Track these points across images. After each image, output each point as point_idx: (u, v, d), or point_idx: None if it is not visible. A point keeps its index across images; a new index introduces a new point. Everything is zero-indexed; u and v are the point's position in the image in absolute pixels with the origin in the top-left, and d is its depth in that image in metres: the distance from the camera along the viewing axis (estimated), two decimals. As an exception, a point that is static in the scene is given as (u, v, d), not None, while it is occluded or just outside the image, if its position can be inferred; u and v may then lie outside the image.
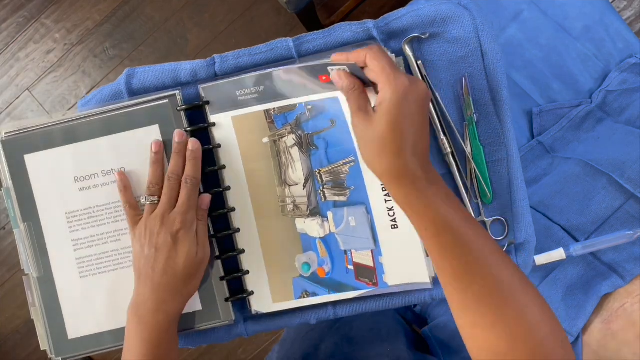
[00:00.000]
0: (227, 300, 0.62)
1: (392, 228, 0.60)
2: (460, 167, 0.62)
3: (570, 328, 0.69)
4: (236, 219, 0.62)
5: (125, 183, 0.60)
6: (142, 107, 0.61)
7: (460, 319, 0.48)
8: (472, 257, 0.47)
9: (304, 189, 0.61)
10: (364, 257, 0.61)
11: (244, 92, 0.60)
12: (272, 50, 0.62)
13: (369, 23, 0.61)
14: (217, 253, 0.62)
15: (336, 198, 0.61)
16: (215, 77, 0.63)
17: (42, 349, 0.63)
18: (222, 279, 0.62)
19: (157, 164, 0.60)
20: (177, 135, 0.59)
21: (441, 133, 0.62)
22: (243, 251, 0.62)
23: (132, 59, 1.54)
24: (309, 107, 0.60)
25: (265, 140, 0.61)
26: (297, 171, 0.61)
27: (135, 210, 0.60)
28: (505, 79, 0.61)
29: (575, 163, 0.78)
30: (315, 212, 0.61)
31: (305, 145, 0.60)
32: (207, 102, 0.61)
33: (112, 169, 0.61)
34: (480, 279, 0.46)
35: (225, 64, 0.62)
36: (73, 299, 0.63)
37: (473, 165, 0.61)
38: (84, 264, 0.62)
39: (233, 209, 0.62)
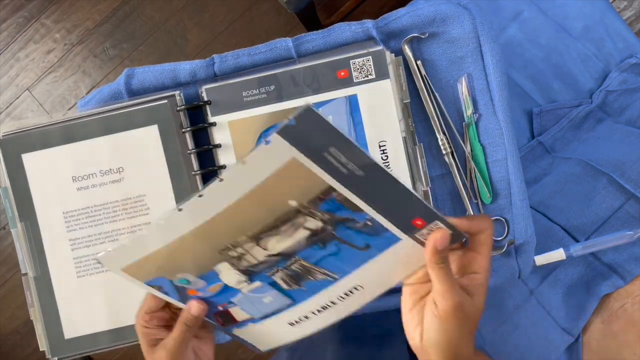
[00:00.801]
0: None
1: None
2: (460, 167, 0.62)
3: (570, 328, 0.69)
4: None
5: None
6: (141, 107, 0.61)
7: None
8: None
9: (264, 257, 0.50)
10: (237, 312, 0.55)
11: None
12: (271, 50, 0.62)
13: (368, 23, 0.61)
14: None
15: (280, 282, 0.52)
16: (215, 77, 0.63)
17: (41, 350, 0.63)
18: (221, 279, 0.62)
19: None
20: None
21: (441, 133, 0.61)
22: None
23: (132, 59, 1.54)
24: (369, 222, 0.47)
25: (294, 203, 0.46)
26: (280, 244, 0.49)
27: None
28: (505, 78, 0.60)
29: (576, 163, 0.77)
30: (249, 272, 0.50)
31: (320, 240, 0.49)
32: (209, 102, 0.61)
33: (110, 169, 0.61)
34: None
35: (225, 64, 0.62)
36: (70, 298, 0.62)
37: (473, 165, 0.61)
38: (81, 264, 0.62)
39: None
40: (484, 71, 0.61)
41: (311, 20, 1.28)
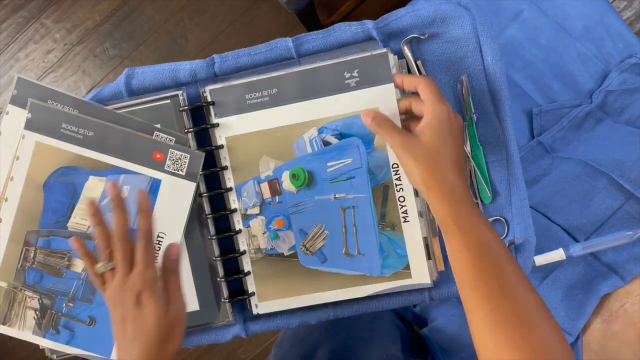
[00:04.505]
0: (225, 301, 0.62)
1: None
2: (460, 167, 0.62)
3: (570, 328, 0.69)
4: (238, 220, 0.62)
5: (85, 250, 0.55)
6: (144, 106, 0.61)
7: (483, 338, 0.48)
8: (506, 280, 0.48)
9: None
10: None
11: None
12: (271, 50, 0.62)
13: (369, 23, 0.61)
14: (218, 254, 0.62)
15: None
16: (215, 77, 0.63)
17: (41, 348, 0.64)
18: (220, 280, 0.62)
19: (100, 225, 0.54)
20: (110, 190, 0.54)
21: (441, 133, 0.61)
22: (244, 252, 0.62)
23: (132, 59, 1.54)
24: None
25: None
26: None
27: (100, 278, 0.55)
28: (505, 79, 0.60)
29: (575, 163, 0.77)
30: None
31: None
32: (212, 103, 0.61)
33: None
34: (512, 301, 0.47)
35: (225, 64, 0.62)
36: None
37: (473, 165, 0.61)
38: None
39: (235, 210, 0.62)
40: (484, 71, 0.61)
41: (311, 20, 1.28)
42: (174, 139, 0.60)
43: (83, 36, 1.55)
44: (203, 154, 0.60)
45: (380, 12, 0.62)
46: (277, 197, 0.61)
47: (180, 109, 0.61)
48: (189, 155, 0.60)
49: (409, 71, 0.61)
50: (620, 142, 0.78)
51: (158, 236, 0.61)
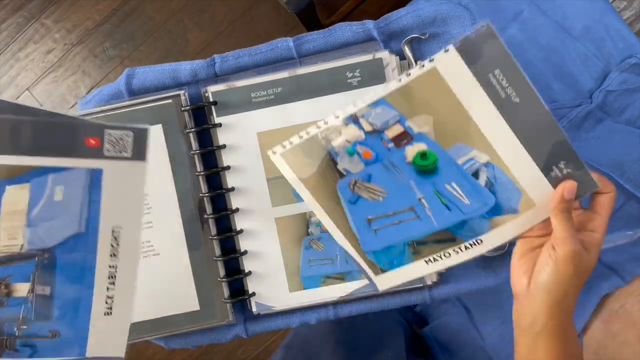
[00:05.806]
0: (225, 301, 0.62)
1: None
2: (460, 167, 0.62)
3: (570, 328, 0.69)
4: (239, 220, 0.62)
5: None
6: (145, 106, 0.61)
7: None
8: None
9: None
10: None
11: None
12: (272, 50, 0.62)
13: (369, 23, 0.61)
14: (218, 254, 0.62)
15: None
16: (216, 77, 0.63)
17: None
18: (220, 280, 0.62)
19: None
20: None
21: (441, 133, 0.61)
22: (245, 252, 0.62)
23: (132, 59, 1.54)
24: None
25: None
26: None
27: None
28: (505, 79, 0.60)
29: (575, 163, 0.77)
30: None
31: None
32: (215, 103, 0.61)
33: None
34: None
35: (226, 64, 0.62)
36: None
37: (473, 165, 0.61)
38: None
39: (236, 210, 0.62)
40: (485, 71, 0.61)
41: (311, 20, 1.28)
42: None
43: (83, 36, 1.55)
44: (149, 127, 0.50)
45: (380, 12, 0.62)
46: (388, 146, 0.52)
47: (182, 108, 0.61)
48: (131, 133, 0.49)
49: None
50: (620, 142, 0.78)
51: (113, 231, 0.51)
